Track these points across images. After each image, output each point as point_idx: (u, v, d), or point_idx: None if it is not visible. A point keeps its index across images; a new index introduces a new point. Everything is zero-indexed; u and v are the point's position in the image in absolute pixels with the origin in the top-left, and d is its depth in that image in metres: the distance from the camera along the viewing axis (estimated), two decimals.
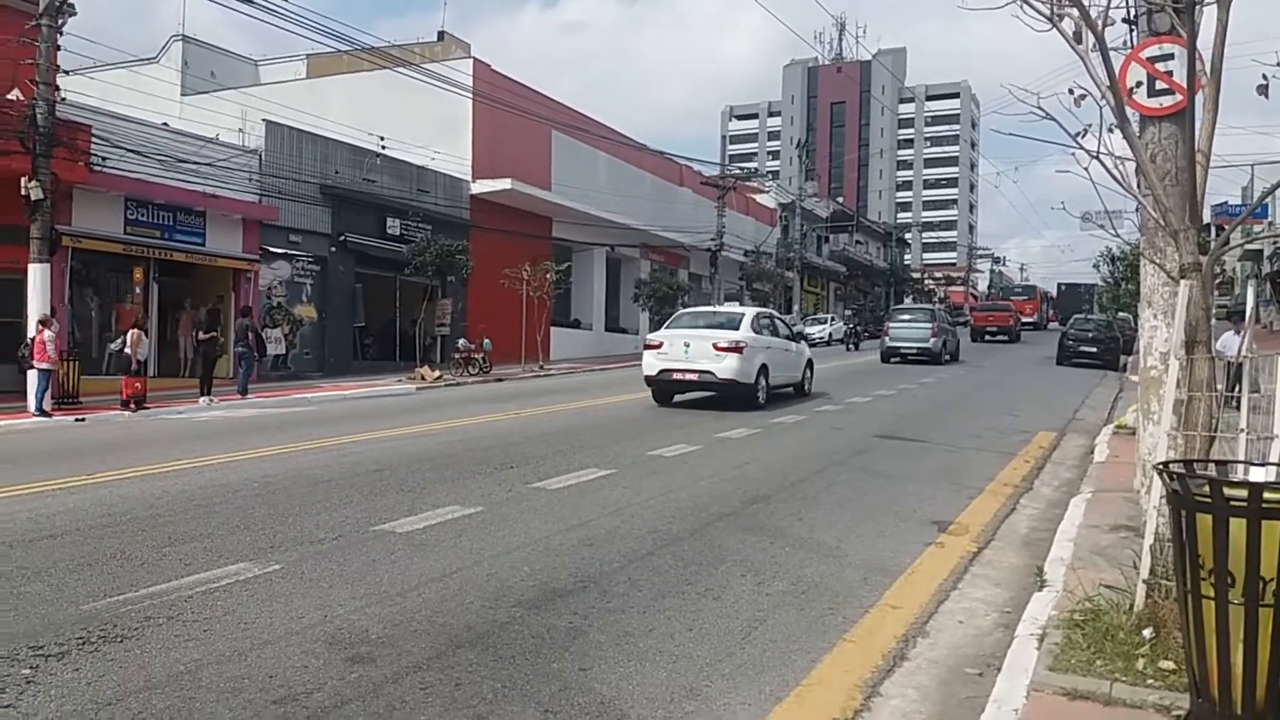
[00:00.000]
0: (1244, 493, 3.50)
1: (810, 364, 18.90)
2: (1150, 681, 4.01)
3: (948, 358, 30.31)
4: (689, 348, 16.02)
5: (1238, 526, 3.45)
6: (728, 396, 15.99)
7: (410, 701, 4.03)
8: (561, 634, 4.90)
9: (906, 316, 32.09)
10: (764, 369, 16.25)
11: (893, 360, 29.80)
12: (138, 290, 21.28)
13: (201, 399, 17.90)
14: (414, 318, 28.01)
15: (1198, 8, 5.11)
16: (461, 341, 26.51)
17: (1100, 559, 6.08)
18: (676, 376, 16.24)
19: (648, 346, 16.95)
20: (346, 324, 27.17)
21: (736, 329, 16.29)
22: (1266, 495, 3.47)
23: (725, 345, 15.79)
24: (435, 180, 29.33)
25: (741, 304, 53.28)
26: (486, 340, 26.58)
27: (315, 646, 4.66)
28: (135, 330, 17.31)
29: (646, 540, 6.91)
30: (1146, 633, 4.38)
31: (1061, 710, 3.82)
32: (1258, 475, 3.93)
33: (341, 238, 25.88)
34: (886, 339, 30.87)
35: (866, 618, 5.32)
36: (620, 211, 35.85)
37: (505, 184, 30.09)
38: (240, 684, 4.19)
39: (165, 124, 22.63)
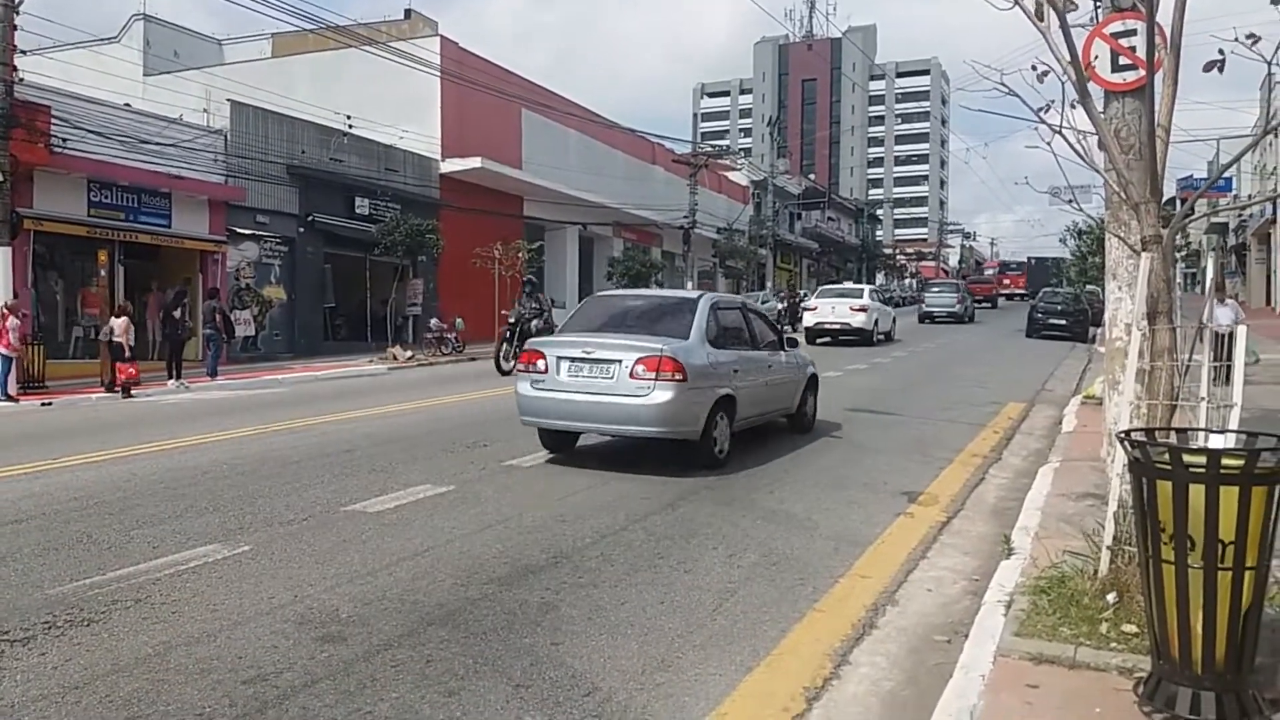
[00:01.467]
0: (1203, 459, 3.55)
1: (894, 321, 30.62)
2: (1114, 645, 4.08)
3: (968, 319, 39.66)
4: (834, 309, 27.39)
5: (1196, 492, 3.50)
6: (857, 340, 26.30)
7: (381, 679, 4.03)
8: (533, 609, 4.90)
9: (938, 288, 43.87)
10: (876, 321, 27.40)
11: (926, 322, 38.73)
12: (103, 273, 20.95)
13: (170, 382, 17.70)
14: (385, 298, 27.79)
15: None
16: (433, 321, 26.36)
17: (1066, 526, 6.16)
18: (827, 326, 27.23)
19: (807, 309, 29.23)
20: (316, 305, 26.92)
21: (861, 298, 27.81)
22: (1224, 461, 3.53)
23: (857, 307, 27.12)
24: (404, 159, 29.04)
25: (715, 282, 53.46)
26: (459, 320, 26.44)
27: (285, 627, 4.63)
28: (124, 318, 17.04)
29: (619, 515, 6.93)
30: (1110, 597, 4.44)
31: (1027, 674, 3.88)
32: (1217, 442, 3.98)
33: (310, 218, 25.60)
34: (923, 305, 41.59)
35: (836, 587, 5.37)
36: (592, 190, 35.68)
37: (475, 163, 29.84)
38: (209, 665, 4.16)
39: (127, 104, 22.23)
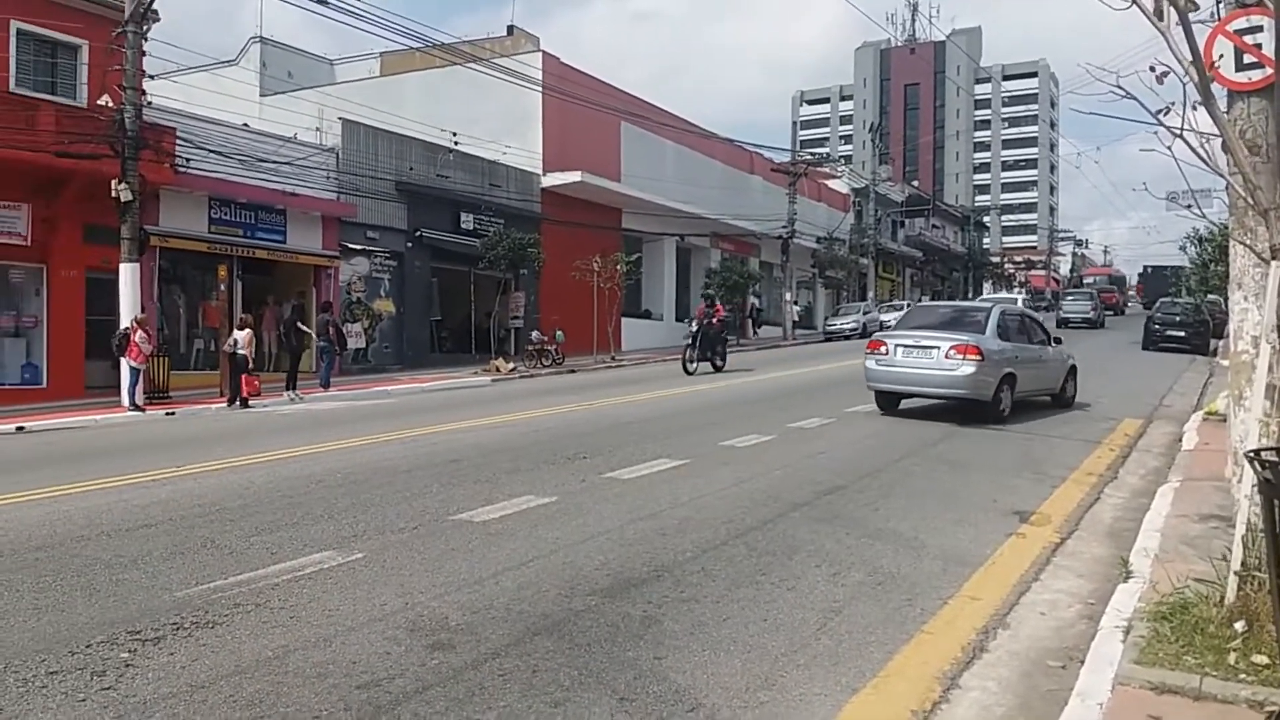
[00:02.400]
0: None
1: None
2: (1242, 676, 3.89)
3: (1100, 325, 42.32)
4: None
5: None
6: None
7: (489, 687, 4.12)
8: (636, 623, 4.95)
9: (1074, 296, 49.12)
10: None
11: (1063, 327, 37.72)
12: (222, 287, 21.94)
13: (286, 393, 18.43)
14: (488, 311, 28.40)
15: None
16: (534, 333, 26.81)
17: (1189, 550, 5.90)
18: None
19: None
20: (423, 318, 27.68)
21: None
22: None
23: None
24: (507, 174, 29.64)
25: (814, 293, 52.83)
26: (559, 332, 26.81)
27: (397, 633, 4.78)
28: (248, 330, 17.80)
29: (720, 530, 6.92)
30: (1238, 626, 4.24)
31: (1149, 704, 3.73)
32: None
33: (417, 233, 26.36)
34: (1060, 312, 44.32)
35: (945, 609, 5.26)
36: (690, 201, 35.75)
37: (575, 176, 30.27)
38: (325, 669, 4.33)
39: (245, 125, 23.30)
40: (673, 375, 22.39)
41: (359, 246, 25.03)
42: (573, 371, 24.94)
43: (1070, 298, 49.60)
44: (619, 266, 28.80)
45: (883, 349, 13.79)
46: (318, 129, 24.66)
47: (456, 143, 28.30)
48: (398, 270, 26.43)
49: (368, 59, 39.54)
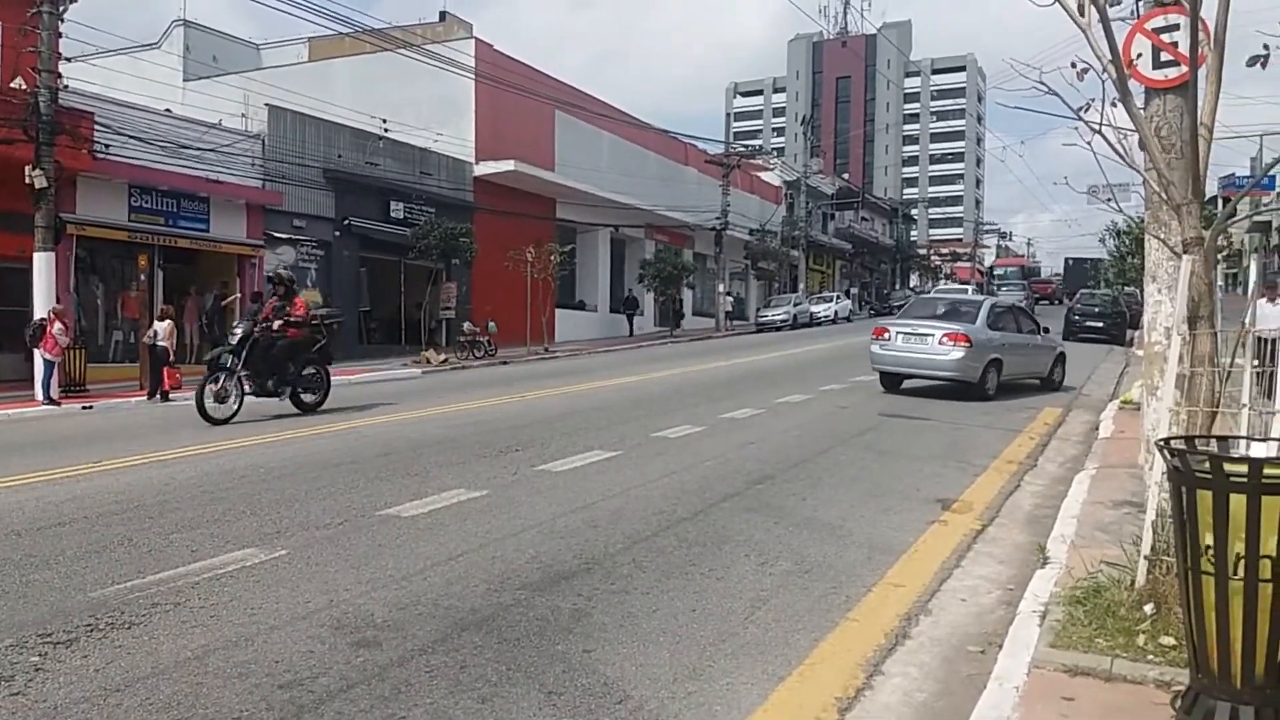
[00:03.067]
0: (1244, 468, 3.49)
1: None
2: (1151, 657, 4.03)
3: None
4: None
5: (1238, 502, 3.45)
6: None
7: (416, 684, 4.07)
8: (566, 616, 4.93)
9: (1006, 287, 52.33)
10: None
11: None
12: (143, 277, 21.30)
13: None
14: (419, 301, 28.03)
15: None
16: (466, 324, 26.56)
17: (1103, 535, 6.08)
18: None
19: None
20: (352, 308, 27.18)
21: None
22: (1267, 471, 3.46)
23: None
24: (438, 162, 29.27)
25: (747, 283, 53.23)
26: (491, 323, 26.61)
27: (321, 631, 4.70)
28: (168, 321, 17.23)
29: (651, 521, 6.94)
30: (1148, 609, 4.39)
31: (1063, 686, 3.84)
32: (1259, 451, 3.93)
33: (345, 222, 25.89)
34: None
35: (869, 596, 5.34)
36: (624, 191, 35.74)
37: (508, 165, 30.02)
38: (247, 669, 4.23)
39: (168, 110, 22.62)
40: (608, 366, 22.39)
41: (285, 235, 24.49)
42: (505, 363, 24.78)
43: (1004, 289, 51.64)
44: (553, 257, 28.68)
45: (886, 335, 15.90)
46: (243, 115, 24.04)
47: (386, 130, 27.86)
48: (325, 260, 25.92)
49: (295, 44, 38.69)
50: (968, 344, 14.90)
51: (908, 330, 15.70)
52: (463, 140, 30.14)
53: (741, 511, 7.31)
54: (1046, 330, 17.24)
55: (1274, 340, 4.86)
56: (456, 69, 27.22)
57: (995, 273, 78.79)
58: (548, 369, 22.70)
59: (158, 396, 16.54)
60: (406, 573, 5.65)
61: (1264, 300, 13.00)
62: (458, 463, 9.27)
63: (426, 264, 27.16)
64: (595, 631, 4.71)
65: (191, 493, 8.00)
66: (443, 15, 37.04)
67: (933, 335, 15.22)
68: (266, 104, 24.31)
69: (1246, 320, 5.64)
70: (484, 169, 30.37)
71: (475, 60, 29.38)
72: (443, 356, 24.10)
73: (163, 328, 16.97)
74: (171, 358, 16.96)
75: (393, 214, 27.17)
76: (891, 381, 16.12)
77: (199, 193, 21.93)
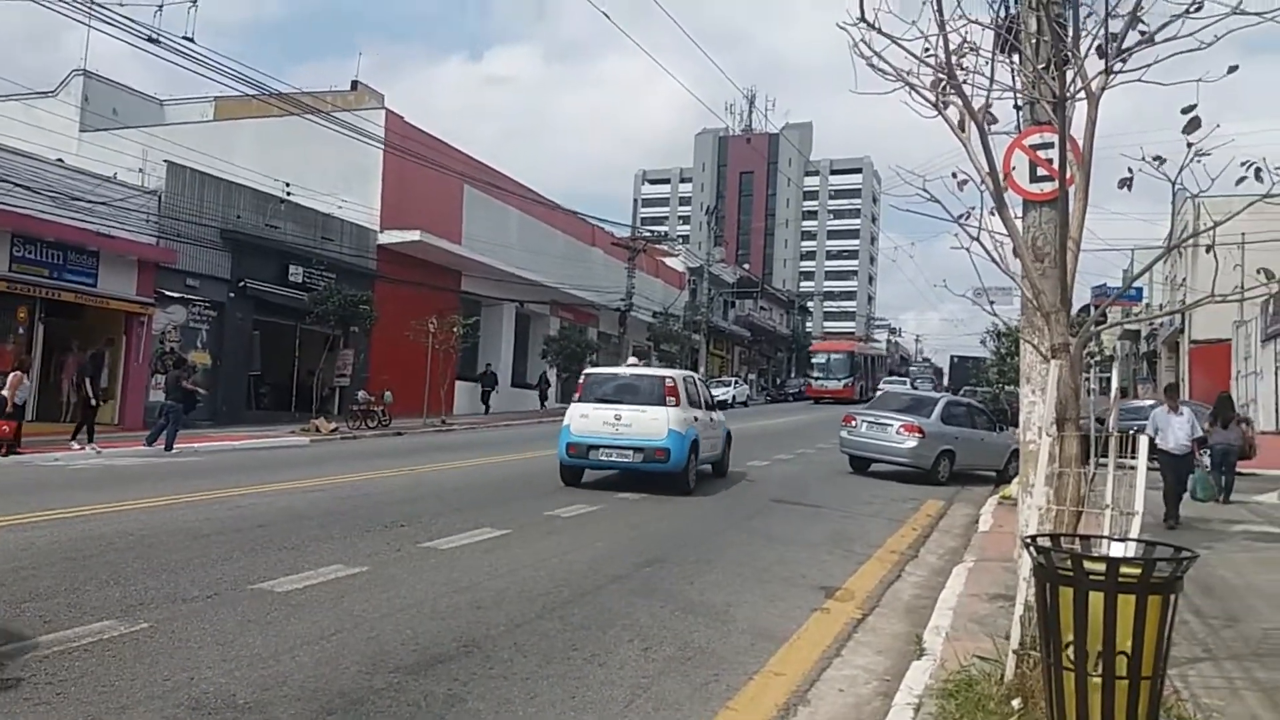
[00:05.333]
0: (1102, 567, 3.64)
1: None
2: None
3: None
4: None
5: (1096, 599, 3.59)
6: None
7: None
8: (439, 701, 4.76)
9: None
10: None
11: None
12: (21, 330, 20.29)
13: (79, 444, 16.99)
14: (313, 368, 27.35)
15: (1070, 103, 5.39)
16: (361, 393, 25.96)
17: (977, 627, 6.22)
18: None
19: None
20: (242, 372, 26.35)
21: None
22: (1123, 570, 3.62)
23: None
24: (341, 228, 28.91)
25: (650, 364, 53.64)
26: (387, 393, 26.08)
27: (178, 712, 4.42)
28: (16, 372, 16.34)
29: (536, 603, 6.80)
30: (1015, 703, 4.48)
31: None
32: (1118, 550, 4.09)
33: (241, 283, 25.21)
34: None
35: (750, 685, 5.32)
36: (531, 268, 35.87)
37: (414, 235, 29.85)
38: None
39: (60, 160, 21.84)
40: (506, 441, 22.14)
41: (177, 294, 23.68)
42: (399, 434, 24.26)
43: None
44: (455, 329, 28.44)
45: (853, 423, 18.08)
46: (141, 170, 23.39)
47: (289, 193, 27.42)
48: (217, 321, 25.12)
49: (201, 102, 37.98)
50: (921, 435, 16.88)
51: (871, 419, 17.82)
52: (368, 207, 29.88)
53: (628, 594, 7.24)
54: (1003, 427, 19.15)
55: (1133, 439, 5.08)
56: (365, 138, 27.14)
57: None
58: (442, 441, 22.30)
59: (3, 450, 15.58)
60: (275, 651, 5.39)
61: (1164, 409, 12.25)
62: (338, 537, 8.96)
63: (323, 330, 26.60)
64: (468, 718, 4.56)
65: (51, 559, 7.51)
66: (355, 84, 37.00)
67: (892, 425, 17.27)
68: (165, 160, 23.71)
69: (1110, 422, 5.94)
70: (388, 237, 30.11)
71: (385, 130, 29.36)
72: (333, 425, 23.44)
73: (9, 378, 16.07)
74: (9, 409, 15.95)
75: (291, 277, 26.59)
76: (859, 464, 18.07)
77: (88, 246, 21.10)
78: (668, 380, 14.04)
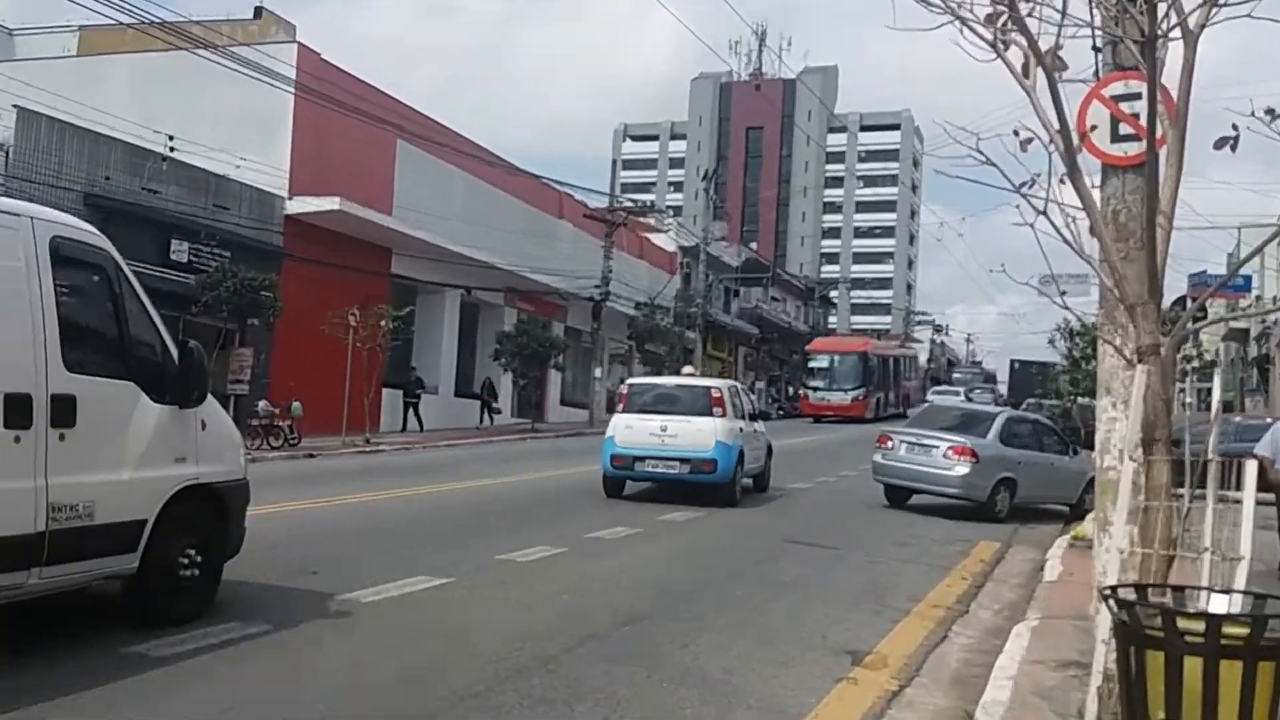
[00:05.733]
0: (1201, 625, 3.66)
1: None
2: None
3: None
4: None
5: (1193, 667, 3.60)
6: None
7: None
8: None
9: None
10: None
11: None
12: None
13: None
14: None
15: (1162, 43, 5.34)
16: (262, 404, 25.83)
17: (1042, 703, 6.25)
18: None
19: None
20: None
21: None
22: (1226, 629, 3.63)
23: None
24: (240, 194, 28.77)
25: (630, 368, 53.77)
26: (295, 403, 25.97)
27: None
28: None
29: (487, 671, 6.79)
30: None
31: None
32: (1220, 605, 4.09)
33: None
34: None
35: None
36: (481, 245, 35.76)
37: (332, 203, 29.70)
38: None
39: None
40: (448, 465, 22.09)
41: None
42: (312, 456, 24.16)
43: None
44: (384, 322, 28.33)
45: (889, 444, 17.97)
46: None
47: (173, 149, 27.28)
48: None
49: (62, 33, 37.75)
50: (974, 459, 16.86)
51: (912, 440, 17.78)
52: (274, 169, 29.71)
53: (603, 660, 7.23)
54: (1077, 450, 18.79)
55: (1240, 465, 5.10)
56: (271, 80, 26.99)
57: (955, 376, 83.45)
58: (367, 466, 22.20)
59: None
60: None
61: None
62: (231, 587, 8.89)
63: (215, 323, 26.45)
64: None
65: None
66: (258, 11, 36.80)
67: (938, 447, 17.22)
68: (15, 105, 23.55)
69: (1211, 446, 5.97)
70: (299, 206, 29.96)
71: (296, 70, 29.21)
72: None
73: None
74: None
75: (174, 256, 26.39)
76: (897, 495, 18.14)
77: None
78: (714, 390, 17.38)
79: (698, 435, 16.17)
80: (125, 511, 7.00)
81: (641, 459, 16.49)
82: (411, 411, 34.08)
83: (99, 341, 7.51)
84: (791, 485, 20.71)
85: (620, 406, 17.84)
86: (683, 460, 16.18)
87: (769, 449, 19.40)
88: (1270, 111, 5.00)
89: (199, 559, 7.62)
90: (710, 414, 16.48)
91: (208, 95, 28.93)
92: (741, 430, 17.10)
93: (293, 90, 28.71)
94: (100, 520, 6.72)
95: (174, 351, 7.81)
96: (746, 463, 17.16)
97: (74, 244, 7.23)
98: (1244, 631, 3.60)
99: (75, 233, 7.36)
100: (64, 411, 6.49)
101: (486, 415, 38.10)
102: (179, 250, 26.53)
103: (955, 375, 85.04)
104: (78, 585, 7.07)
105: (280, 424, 25.19)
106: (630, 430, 16.71)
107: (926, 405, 30.78)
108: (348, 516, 13.85)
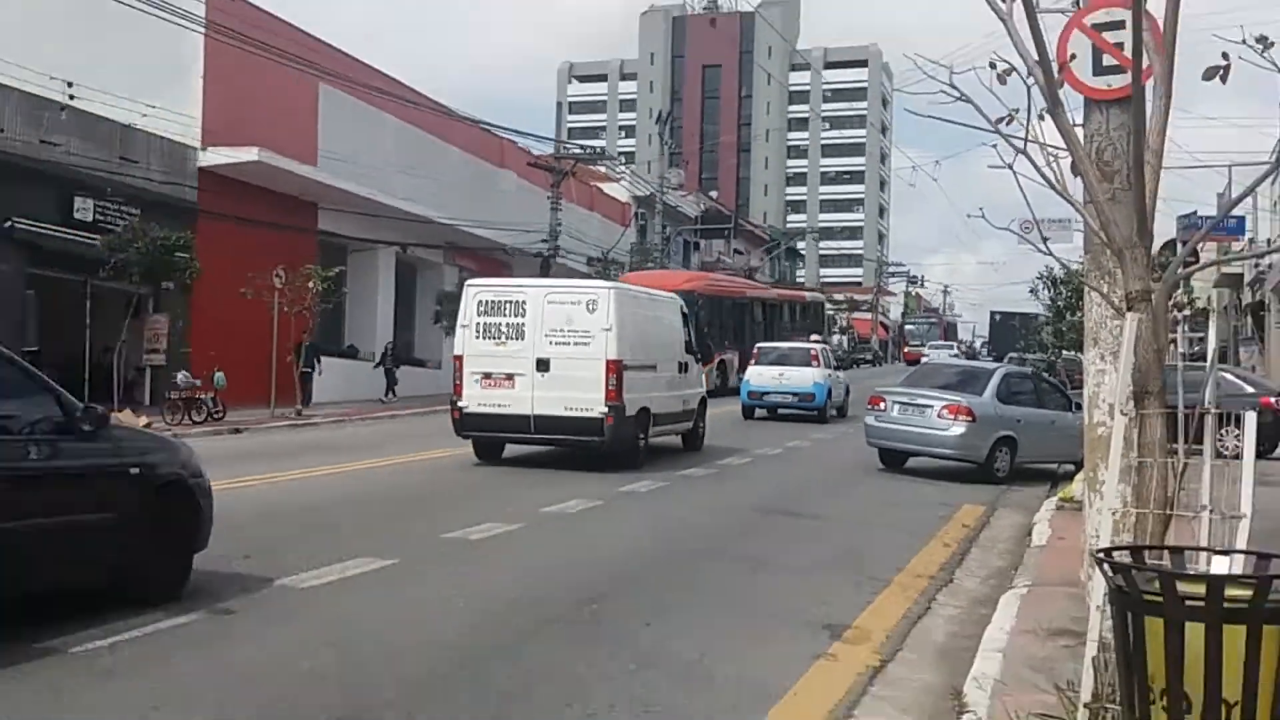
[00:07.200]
0: (1202, 589, 3.70)
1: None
2: None
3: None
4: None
5: (1195, 633, 3.64)
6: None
7: None
8: None
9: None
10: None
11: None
12: None
13: None
14: (111, 341, 26.85)
15: None
16: (181, 375, 25.56)
17: (1034, 675, 6.35)
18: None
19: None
20: (12, 347, 25.79)
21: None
22: (1229, 592, 3.68)
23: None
24: (149, 146, 28.35)
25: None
26: (218, 374, 25.76)
27: None
28: None
29: (439, 658, 6.82)
30: None
31: None
32: (1221, 566, 4.12)
33: (7, 223, 24.63)
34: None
35: None
36: (417, 198, 35.53)
37: (250, 154, 29.36)
38: None
39: None
40: (387, 439, 22.02)
41: None
42: (238, 431, 24.03)
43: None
44: (312, 284, 28.11)
45: (881, 405, 18.74)
46: None
47: (72, 96, 26.83)
48: None
49: None
50: (970, 418, 17.33)
51: (904, 400, 18.42)
52: (186, 117, 29.29)
53: (566, 643, 7.28)
54: (1079, 407, 18.69)
55: (1238, 417, 5.15)
56: (179, 18, 26.52)
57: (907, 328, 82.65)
58: (299, 441, 22.08)
59: None
60: None
61: None
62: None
63: (125, 287, 26.10)
64: None
65: None
66: None
67: (932, 407, 17.72)
68: None
69: (1205, 397, 6.03)
70: (214, 157, 29.57)
71: (206, 6, 28.75)
72: (144, 420, 23.08)
73: None
74: None
75: (78, 214, 26.02)
76: (891, 458, 18.77)
77: None
78: (812, 350, 30.80)
79: (802, 378, 29.05)
80: None
81: (767, 393, 29.50)
82: (307, 382, 30.42)
83: None
84: (788, 443, 20.91)
85: (753, 360, 30.68)
86: (793, 394, 28.97)
87: (847, 389, 32.38)
88: (1262, 39, 5.01)
89: None
90: (810, 365, 29.43)
91: (110, 37, 28.40)
92: (829, 375, 30.08)
93: (204, 30, 28.26)
94: None
95: None
96: (834, 397, 29.96)
97: None
98: (1247, 594, 3.63)
99: None
100: None
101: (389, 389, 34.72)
102: (83, 208, 26.15)
103: (907, 327, 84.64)
104: None
105: (202, 396, 24.96)
106: (760, 375, 29.75)
107: (923, 365, 31.85)
108: (280, 495, 13.78)
